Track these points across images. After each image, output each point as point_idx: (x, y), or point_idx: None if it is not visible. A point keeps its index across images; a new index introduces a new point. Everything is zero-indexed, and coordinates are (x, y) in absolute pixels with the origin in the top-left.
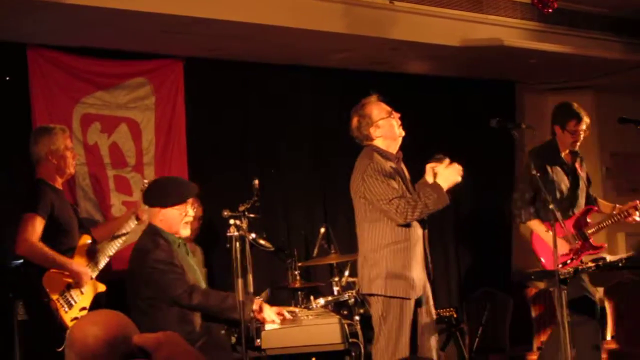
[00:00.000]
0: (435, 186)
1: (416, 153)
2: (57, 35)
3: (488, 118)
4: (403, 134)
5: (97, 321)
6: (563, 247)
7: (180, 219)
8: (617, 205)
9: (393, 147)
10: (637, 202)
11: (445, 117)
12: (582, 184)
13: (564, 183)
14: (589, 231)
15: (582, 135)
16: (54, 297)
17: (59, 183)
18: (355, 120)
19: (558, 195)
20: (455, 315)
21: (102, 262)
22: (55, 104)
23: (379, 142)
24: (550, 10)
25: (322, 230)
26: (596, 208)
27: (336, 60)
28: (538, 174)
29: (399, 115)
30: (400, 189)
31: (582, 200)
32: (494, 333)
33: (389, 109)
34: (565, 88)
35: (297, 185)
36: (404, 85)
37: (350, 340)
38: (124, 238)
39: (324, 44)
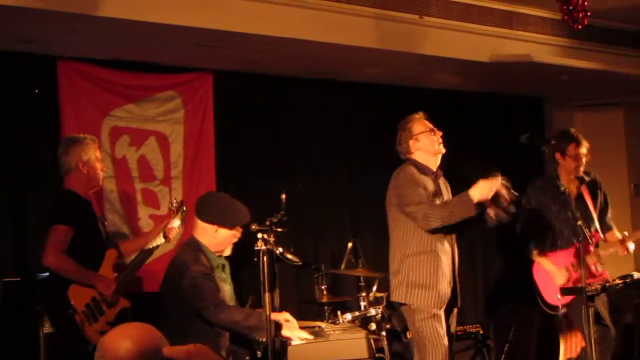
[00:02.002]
0: (463, 195)
1: (444, 168)
2: (88, 47)
3: (517, 134)
4: (443, 151)
5: (128, 334)
6: (561, 278)
7: (231, 241)
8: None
9: (432, 162)
10: (625, 233)
11: (474, 133)
12: (590, 211)
13: (565, 213)
14: (589, 259)
15: (584, 159)
16: (79, 309)
17: (87, 194)
18: (398, 134)
19: (558, 225)
20: (481, 332)
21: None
22: (85, 116)
23: (418, 156)
24: (580, 27)
25: (350, 244)
26: (599, 236)
27: (365, 74)
28: (536, 206)
29: (441, 133)
30: (428, 198)
31: (589, 227)
32: (520, 350)
33: (431, 126)
34: (595, 105)
35: (325, 200)
36: (433, 100)
37: (377, 355)
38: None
39: (354, 59)
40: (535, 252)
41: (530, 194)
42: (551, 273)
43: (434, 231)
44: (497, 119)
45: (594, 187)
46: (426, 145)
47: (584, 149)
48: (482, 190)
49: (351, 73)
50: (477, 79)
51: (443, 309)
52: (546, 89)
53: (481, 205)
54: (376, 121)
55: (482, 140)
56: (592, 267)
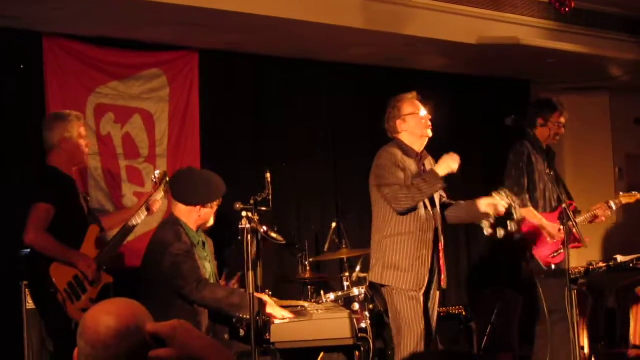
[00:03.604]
0: (430, 172)
1: (429, 150)
2: (74, 24)
3: (502, 116)
4: (430, 135)
5: (110, 310)
6: (555, 233)
7: (213, 213)
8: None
9: (417, 145)
10: (601, 204)
11: (459, 115)
12: (562, 180)
13: (547, 175)
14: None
15: (563, 130)
16: (61, 287)
17: (70, 171)
18: (387, 111)
19: (542, 186)
20: (464, 313)
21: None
22: (70, 93)
23: (404, 137)
24: (567, 10)
25: (334, 225)
26: (574, 205)
27: (352, 55)
28: (528, 162)
29: (430, 117)
30: (405, 181)
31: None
32: (503, 331)
33: (421, 108)
34: (580, 88)
35: (309, 180)
36: (419, 81)
37: (360, 335)
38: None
39: (341, 39)
40: (529, 205)
41: (520, 150)
42: (543, 227)
43: (407, 211)
44: (483, 101)
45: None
46: (413, 128)
47: (563, 119)
48: (446, 165)
49: (337, 54)
50: (463, 61)
51: (422, 292)
52: (532, 72)
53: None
54: (361, 102)
55: (468, 123)
56: (575, 233)
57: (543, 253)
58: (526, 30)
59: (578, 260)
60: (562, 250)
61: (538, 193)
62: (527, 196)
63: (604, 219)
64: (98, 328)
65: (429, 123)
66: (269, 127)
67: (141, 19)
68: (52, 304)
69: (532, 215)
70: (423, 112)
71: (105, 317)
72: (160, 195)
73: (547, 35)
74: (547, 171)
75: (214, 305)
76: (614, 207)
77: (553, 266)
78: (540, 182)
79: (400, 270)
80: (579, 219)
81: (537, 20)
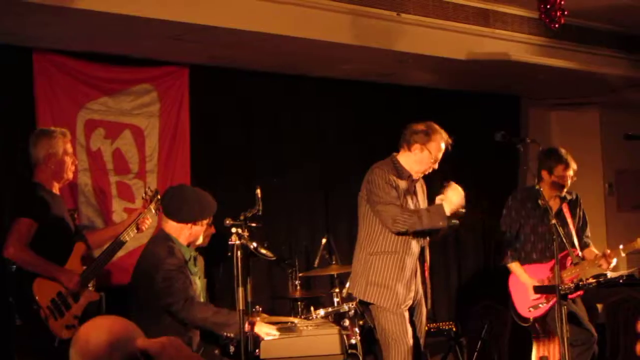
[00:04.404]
0: (437, 207)
1: None
2: (64, 39)
3: (492, 132)
4: (419, 177)
5: (101, 325)
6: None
7: (203, 230)
8: (598, 254)
9: (412, 173)
10: (607, 251)
11: (449, 130)
12: (569, 228)
13: (542, 227)
14: (566, 275)
15: (569, 181)
16: (44, 304)
17: (56, 188)
18: (417, 127)
19: (532, 238)
20: (454, 329)
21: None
22: (60, 108)
23: (405, 158)
24: (557, 26)
25: (324, 240)
26: (577, 252)
27: (342, 70)
28: (515, 217)
29: (436, 168)
30: (398, 200)
31: (565, 244)
32: (493, 346)
33: (439, 156)
34: (571, 104)
35: (299, 195)
36: (409, 97)
37: (350, 351)
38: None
39: (330, 55)
40: (514, 262)
41: (510, 205)
42: (527, 285)
43: (399, 234)
44: (472, 117)
45: (574, 207)
46: (420, 161)
47: (571, 172)
48: (452, 203)
49: (328, 69)
50: (453, 76)
51: (406, 308)
52: (522, 88)
53: (452, 219)
54: (351, 117)
55: (458, 138)
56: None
57: (522, 306)
58: (516, 46)
59: None
60: (541, 305)
61: (529, 245)
62: (513, 251)
63: (609, 271)
64: (89, 342)
65: (429, 171)
66: (259, 142)
67: (131, 34)
68: (35, 320)
69: (516, 270)
70: (438, 159)
71: (96, 331)
72: (150, 213)
73: (537, 51)
74: (541, 223)
75: (200, 324)
76: (623, 254)
77: (531, 319)
78: (532, 234)
79: (384, 288)
80: (582, 267)
81: (527, 36)
